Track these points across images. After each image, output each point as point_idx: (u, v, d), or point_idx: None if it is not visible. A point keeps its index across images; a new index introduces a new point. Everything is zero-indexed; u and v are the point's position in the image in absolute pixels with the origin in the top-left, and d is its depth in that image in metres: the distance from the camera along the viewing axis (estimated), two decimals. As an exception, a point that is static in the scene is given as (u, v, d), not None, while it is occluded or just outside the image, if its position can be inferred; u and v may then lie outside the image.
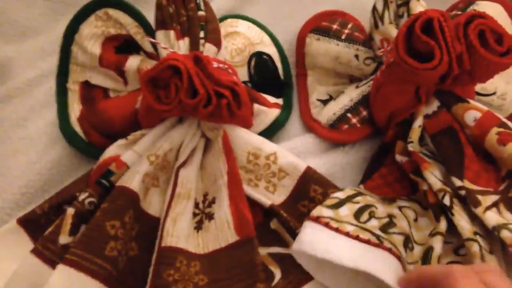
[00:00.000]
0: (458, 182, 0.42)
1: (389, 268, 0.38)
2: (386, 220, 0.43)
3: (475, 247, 0.39)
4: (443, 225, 0.42)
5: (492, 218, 0.40)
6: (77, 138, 0.50)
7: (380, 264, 0.38)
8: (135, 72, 0.51)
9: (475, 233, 0.41)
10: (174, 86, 0.42)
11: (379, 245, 0.40)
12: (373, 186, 0.49)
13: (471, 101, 0.47)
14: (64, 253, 0.40)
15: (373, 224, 0.42)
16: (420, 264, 0.41)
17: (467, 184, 0.42)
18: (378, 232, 0.41)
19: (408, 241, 0.42)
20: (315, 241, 0.40)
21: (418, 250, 0.42)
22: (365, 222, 0.42)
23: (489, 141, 0.44)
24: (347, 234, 0.41)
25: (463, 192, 0.42)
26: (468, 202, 0.42)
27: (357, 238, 0.40)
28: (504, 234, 0.38)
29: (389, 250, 0.40)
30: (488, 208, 0.41)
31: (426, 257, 0.41)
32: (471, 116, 0.46)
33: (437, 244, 0.41)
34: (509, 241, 0.38)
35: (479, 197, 0.42)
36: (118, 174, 0.44)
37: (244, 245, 0.42)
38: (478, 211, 0.41)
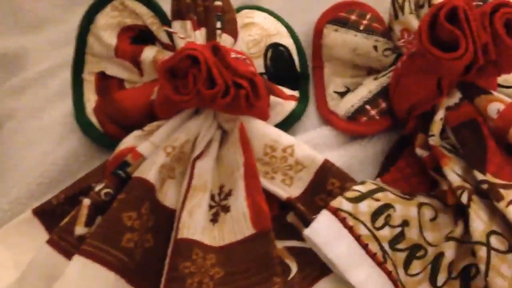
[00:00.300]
0: (480, 176, 0.41)
1: None
2: (398, 230, 0.42)
3: (482, 252, 0.38)
4: (459, 229, 0.41)
5: None
6: (93, 128, 0.50)
7: (375, 286, 0.39)
8: (151, 63, 0.50)
9: (491, 233, 0.40)
10: (192, 76, 0.41)
11: (382, 264, 0.40)
12: (390, 179, 0.48)
13: (494, 93, 0.46)
14: (80, 244, 0.40)
15: (385, 234, 0.42)
16: (430, 269, 0.40)
17: (490, 178, 0.41)
18: (386, 247, 0.41)
19: (412, 256, 0.42)
20: (325, 233, 0.40)
21: (431, 253, 0.42)
22: (378, 229, 0.41)
23: None
24: (358, 238, 0.41)
25: (485, 186, 0.41)
26: (490, 196, 0.41)
27: (366, 247, 0.40)
28: None
29: (389, 274, 0.40)
30: (511, 202, 0.40)
31: (436, 262, 0.40)
32: (494, 108, 0.44)
33: (449, 250, 0.40)
34: None
35: (502, 191, 0.41)
36: (134, 165, 0.44)
37: (260, 238, 0.42)
38: (501, 205, 0.40)
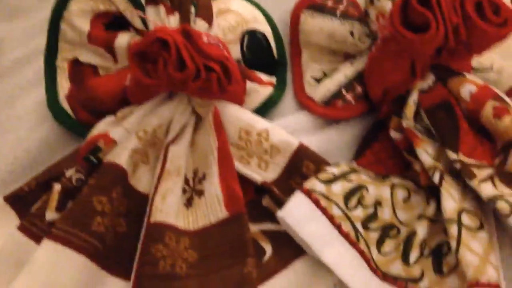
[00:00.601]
0: (453, 156, 0.42)
1: (355, 273, 0.39)
2: (371, 210, 0.42)
3: (453, 229, 0.39)
4: (431, 208, 0.42)
5: (487, 189, 0.39)
6: (65, 115, 0.49)
7: (348, 266, 0.39)
8: (125, 49, 0.50)
9: (462, 211, 0.40)
10: (162, 60, 0.41)
11: (355, 244, 0.40)
12: (366, 162, 0.48)
13: (467, 75, 0.46)
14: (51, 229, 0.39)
15: (358, 214, 0.42)
16: (402, 247, 0.40)
17: (462, 157, 0.42)
18: (359, 227, 0.41)
19: (385, 235, 0.42)
20: (298, 214, 0.40)
21: (404, 232, 0.42)
22: (351, 210, 0.42)
23: (485, 115, 0.43)
24: (331, 218, 0.41)
25: (458, 165, 0.41)
26: (462, 175, 0.41)
27: (339, 227, 0.40)
28: (500, 205, 0.38)
29: (362, 253, 0.40)
30: (482, 181, 0.40)
31: (408, 241, 0.40)
32: (466, 89, 0.45)
33: (421, 229, 0.40)
34: (505, 212, 0.37)
35: (475, 170, 0.41)
36: (106, 151, 0.44)
37: (234, 221, 0.42)
38: (473, 183, 0.40)
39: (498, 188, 0.40)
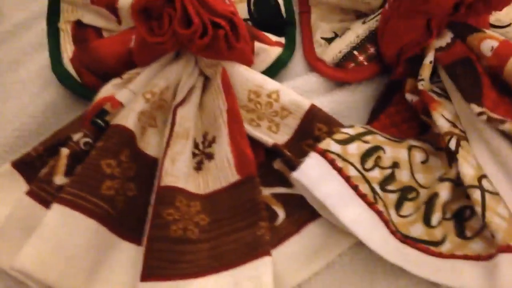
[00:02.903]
0: (477, 109, 0.40)
1: (372, 232, 0.38)
2: (388, 172, 0.41)
3: (476, 195, 0.37)
4: (454, 170, 0.40)
5: None
6: (70, 78, 0.48)
7: (366, 226, 0.38)
8: (128, 9, 0.48)
9: (482, 177, 0.39)
10: (167, 16, 0.39)
11: (373, 205, 0.39)
12: (380, 126, 0.46)
13: (487, 31, 0.44)
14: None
15: (375, 175, 0.41)
16: (423, 209, 0.39)
17: (487, 111, 0.40)
18: (377, 188, 0.40)
19: (403, 198, 0.41)
20: (314, 175, 0.39)
21: (423, 194, 0.41)
22: (368, 171, 0.40)
23: (508, 70, 0.42)
24: (347, 179, 0.40)
25: (484, 117, 0.40)
26: (492, 124, 0.40)
27: (356, 188, 0.39)
28: None
29: (380, 214, 0.39)
30: None
31: (430, 203, 0.39)
32: (488, 45, 0.43)
33: (444, 190, 0.39)
34: None
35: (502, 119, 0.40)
36: (113, 114, 0.43)
37: (245, 184, 0.41)
38: (507, 126, 0.39)
39: None
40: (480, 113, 0.40)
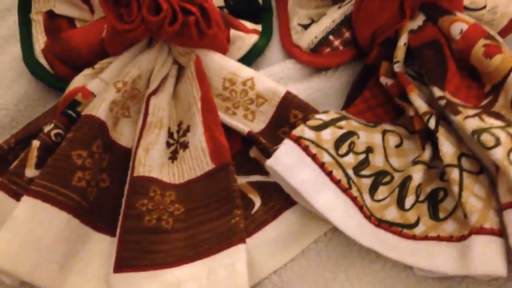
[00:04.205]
0: (438, 92, 0.40)
1: (347, 217, 0.38)
2: (362, 156, 0.41)
3: (454, 174, 0.37)
4: (427, 153, 0.40)
5: (471, 123, 0.37)
6: (42, 70, 0.47)
7: (340, 211, 0.38)
8: (101, -2, 0.47)
9: (462, 155, 0.39)
10: (135, 3, 0.38)
11: (347, 190, 0.39)
12: (356, 111, 0.46)
13: (458, 13, 0.44)
14: (31, 186, 0.38)
15: (349, 161, 0.41)
16: (397, 193, 0.39)
17: (448, 95, 0.40)
18: (350, 173, 0.40)
19: (378, 182, 0.40)
20: (288, 161, 0.39)
21: (397, 178, 0.41)
22: (342, 156, 0.40)
23: (475, 54, 0.42)
24: (322, 166, 0.39)
25: (443, 102, 0.40)
26: (447, 111, 0.39)
27: (330, 174, 0.39)
28: (485, 137, 0.36)
29: (354, 199, 0.39)
30: (468, 117, 0.39)
31: (403, 186, 0.39)
32: (457, 28, 0.43)
33: (417, 173, 0.39)
34: (489, 144, 0.35)
35: (460, 108, 0.39)
36: (85, 104, 0.42)
37: (220, 172, 0.40)
38: (458, 119, 0.38)
39: (487, 121, 0.38)
40: (440, 97, 0.40)
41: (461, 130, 0.39)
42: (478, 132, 0.36)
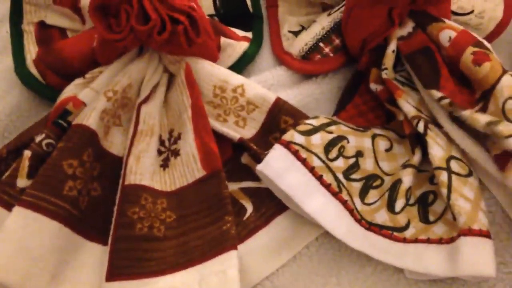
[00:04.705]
0: (438, 94, 0.41)
1: (338, 221, 0.38)
2: (352, 160, 0.42)
3: (443, 176, 0.38)
4: (417, 157, 0.41)
5: (483, 116, 0.38)
6: (34, 80, 0.47)
7: (331, 215, 0.38)
8: (90, 8, 0.47)
9: (450, 158, 0.39)
10: (124, 12, 0.39)
11: (337, 194, 0.39)
12: (347, 116, 0.47)
13: (446, 21, 0.45)
14: (23, 197, 0.38)
15: (339, 165, 0.41)
16: (387, 196, 0.40)
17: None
18: (341, 177, 0.40)
19: (368, 186, 0.41)
20: (278, 166, 0.39)
21: (388, 181, 0.41)
22: (332, 160, 0.41)
23: (464, 61, 0.42)
24: (312, 170, 0.40)
25: (446, 101, 0.40)
26: (453, 108, 0.40)
27: (320, 178, 0.39)
28: (502, 127, 0.37)
29: (344, 203, 0.39)
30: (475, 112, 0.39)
31: (393, 189, 0.40)
32: (446, 35, 0.43)
33: (407, 177, 0.40)
34: (504, 133, 0.36)
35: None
36: (76, 114, 0.42)
37: (211, 179, 0.41)
38: (468, 113, 0.39)
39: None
40: (442, 98, 0.40)
41: (472, 122, 0.39)
42: (493, 123, 0.37)
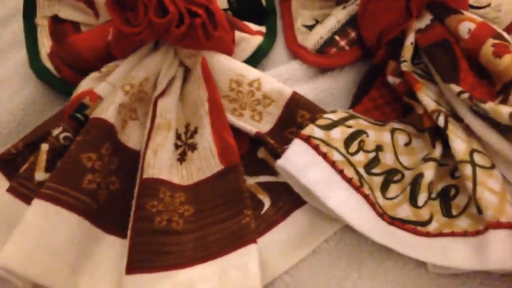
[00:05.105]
0: (457, 88, 0.40)
1: (360, 215, 0.38)
2: (372, 155, 0.41)
3: (467, 169, 0.37)
4: (438, 150, 0.40)
5: (505, 108, 0.37)
6: (49, 74, 0.47)
7: (354, 209, 0.38)
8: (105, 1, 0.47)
9: (472, 151, 0.39)
10: (142, 6, 0.38)
11: (359, 188, 0.39)
12: (363, 110, 0.46)
13: (465, 13, 0.44)
14: (41, 190, 0.38)
15: (360, 159, 0.41)
16: (409, 190, 0.39)
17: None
18: (362, 171, 0.40)
19: (389, 180, 0.40)
20: (299, 161, 0.39)
21: (408, 176, 0.41)
22: (352, 155, 0.40)
23: (484, 54, 0.42)
24: (333, 164, 0.39)
25: (466, 95, 0.39)
26: (473, 102, 0.39)
27: (341, 173, 0.39)
28: None
29: (366, 197, 0.39)
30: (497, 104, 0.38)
31: (415, 183, 0.39)
32: (465, 27, 0.43)
33: (428, 170, 0.39)
34: None
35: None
36: (93, 107, 0.42)
37: (229, 173, 0.40)
38: (490, 105, 0.38)
39: None
40: (461, 92, 0.40)
41: (494, 115, 0.38)
42: None
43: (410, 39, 0.45)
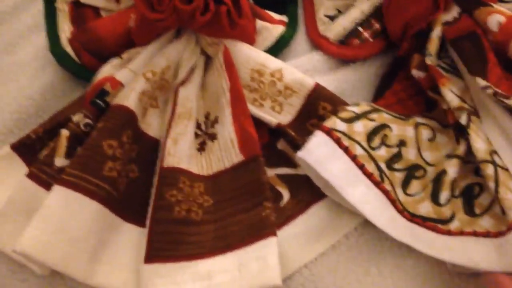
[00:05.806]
0: (483, 82, 0.39)
1: (380, 211, 0.37)
2: (395, 150, 0.40)
3: (489, 169, 0.37)
4: (462, 147, 0.39)
5: None
6: (69, 59, 0.47)
7: (373, 205, 0.37)
8: (127, -13, 0.47)
9: (493, 152, 0.38)
10: (167, -9, 0.38)
11: (379, 184, 0.38)
12: (386, 103, 0.46)
13: (495, 5, 0.43)
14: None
15: (382, 154, 0.40)
16: (431, 187, 0.38)
17: (492, 86, 0.39)
18: (383, 167, 0.39)
19: (410, 176, 0.40)
20: (320, 153, 0.38)
21: (431, 172, 0.40)
22: (374, 149, 0.40)
23: None
24: (354, 158, 0.39)
25: (490, 91, 0.39)
26: (497, 98, 0.38)
27: (362, 167, 0.38)
28: None
29: (386, 193, 0.38)
30: None
31: (438, 180, 0.39)
32: (494, 20, 0.42)
33: (452, 168, 0.38)
34: None
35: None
36: (113, 94, 0.42)
37: (249, 164, 0.40)
38: (511, 102, 0.37)
39: None
40: (486, 87, 0.39)
41: None
42: None
43: (437, 32, 0.44)
